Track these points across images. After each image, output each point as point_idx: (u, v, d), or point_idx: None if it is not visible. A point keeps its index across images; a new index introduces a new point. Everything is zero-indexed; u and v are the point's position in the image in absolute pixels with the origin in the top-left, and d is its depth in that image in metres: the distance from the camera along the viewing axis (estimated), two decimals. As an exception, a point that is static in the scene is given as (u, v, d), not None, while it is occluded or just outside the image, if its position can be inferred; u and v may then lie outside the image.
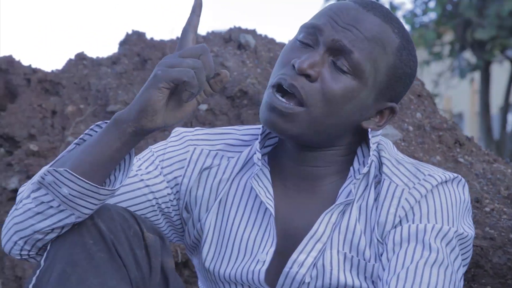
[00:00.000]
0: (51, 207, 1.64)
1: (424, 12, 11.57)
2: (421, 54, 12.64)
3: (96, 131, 1.69)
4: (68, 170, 1.60)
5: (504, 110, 12.41)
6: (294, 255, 1.73)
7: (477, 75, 12.66)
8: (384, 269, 1.69)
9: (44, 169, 1.70)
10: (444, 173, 1.75)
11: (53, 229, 1.66)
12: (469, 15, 10.67)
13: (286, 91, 1.69)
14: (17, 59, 3.30)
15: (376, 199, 1.74)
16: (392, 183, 1.73)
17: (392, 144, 1.83)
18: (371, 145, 1.73)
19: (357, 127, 1.74)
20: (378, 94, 1.72)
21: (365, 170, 1.73)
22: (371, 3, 1.74)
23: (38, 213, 1.65)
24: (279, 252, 1.76)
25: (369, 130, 1.74)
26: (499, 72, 14.61)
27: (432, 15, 11.58)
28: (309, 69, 1.67)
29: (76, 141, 1.70)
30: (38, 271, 1.67)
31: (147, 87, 1.59)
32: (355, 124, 1.73)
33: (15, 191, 3.02)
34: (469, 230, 1.75)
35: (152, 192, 1.81)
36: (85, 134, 1.70)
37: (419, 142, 2.73)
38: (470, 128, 20.77)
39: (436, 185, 1.72)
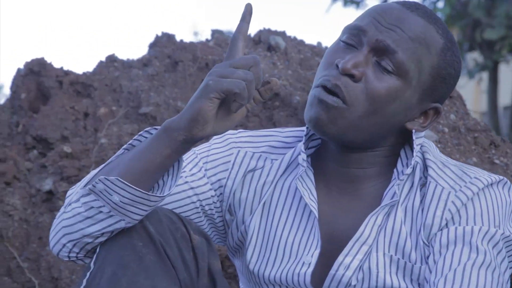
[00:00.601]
0: (101, 212, 1.65)
1: (433, 12, 11.57)
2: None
3: (146, 137, 1.70)
4: (119, 179, 1.61)
5: (511, 110, 12.41)
6: (340, 258, 1.74)
7: (484, 75, 12.66)
8: (431, 271, 1.70)
9: (93, 173, 1.72)
10: (490, 175, 1.76)
11: (102, 233, 1.68)
12: (478, 15, 10.67)
13: (331, 93, 1.70)
14: (49, 61, 3.31)
15: (422, 202, 1.74)
16: (438, 186, 1.74)
17: (434, 146, 1.83)
18: (415, 146, 1.73)
19: (401, 128, 1.75)
20: (422, 95, 1.72)
21: (408, 170, 1.73)
22: (414, 4, 1.74)
23: (88, 217, 1.67)
24: (324, 255, 1.77)
25: (413, 131, 1.75)
26: (506, 72, 14.61)
27: (441, 15, 11.60)
28: (353, 68, 1.68)
29: (125, 146, 1.72)
30: (88, 274, 1.68)
31: (198, 97, 1.60)
32: (399, 125, 1.74)
33: (49, 192, 3.04)
34: None
35: (196, 194, 1.83)
36: (134, 139, 1.71)
37: (455, 143, 2.74)
38: (474, 127, 20.69)
39: (482, 188, 1.73)
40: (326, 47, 3.44)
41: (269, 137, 1.89)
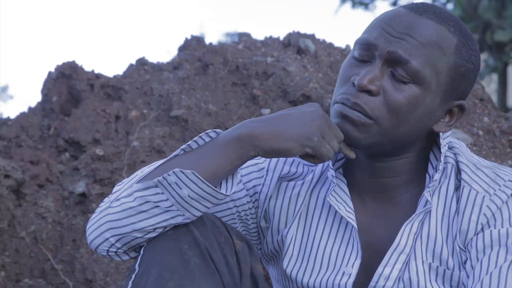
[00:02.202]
0: (158, 207, 1.65)
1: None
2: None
3: (204, 139, 1.71)
4: (195, 173, 1.62)
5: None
6: (379, 269, 1.74)
7: (494, 76, 12.66)
8: (468, 277, 1.70)
9: (146, 171, 1.72)
10: None
11: (155, 228, 1.67)
12: (488, 17, 10.67)
13: (352, 109, 1.70)
14: (79, 64, 3.32)
15: (456, 207, 1.74)
16: (472, 190, 1.73)
17: (466, 146, 1.82)
18: (442, 150, 1.73)
19: (429, 131, 1.74)
20: (444, 96, 1.71)
21: (437, 176, 1.72)
22: (422, 6, 1.72)
23: (142, 211, 1.66)
24: (365, 265, 1.77)
25: (440, 134, 1.74)
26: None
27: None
28: (370, 84, 1.68)
29: (183, 146, 1.71)
30: (133, 276, 1.68)
31: (292, 137, 1.66)
32: (425, 129, 1.73)
33: (82, 195, 3.05)
34: None
35: (233, 200, 1.83)
36: (193, 141, 1.71)
37: (490, 146, 2.75)
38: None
39: None
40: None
41: None
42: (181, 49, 3.41)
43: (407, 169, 1.77)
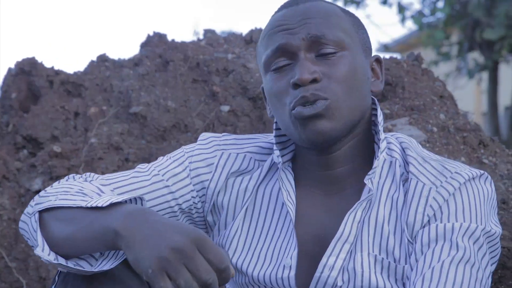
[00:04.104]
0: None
1: (433, 12, 11.55)
2: (430, 54, 12.62)
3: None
4: (74, 266, 1.64)
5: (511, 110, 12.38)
6: (323, 259, 1.74)
7: (484, 75, 12.63)
8: (412, 270, 1.70)
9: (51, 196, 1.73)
10: (471, 170, 1.75)
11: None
12: (478, 15, 10.64)
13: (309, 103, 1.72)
14: (39, 61, 3.31)
15: (404, 199, 1.74)
16: (419, 182, 1.73)
17: (416, 142, 1.83)
18: (381, 137, 1.77)
19: (370, 98, 1.79)
20: (363, 52, 1.79)
21: (376, 163, 1.74)
22: (294, 0, 1.80)
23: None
24: (311, 257, 1.77)
25: (378, 121, 1.78)
26: (506, 72, 14.60)
27: (441, 15, 11.56)
28: (311, 74, 1.71)
29: (89, 203, 1.68)
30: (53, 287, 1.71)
31: (139, 257, 1.53)
32: (368, 93, 1.78)
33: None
34: (496, 227, 1.76)
35: (175, 199, 1.84)
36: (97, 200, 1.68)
37: (444, 143, 2.74)
38: (476, 128, 20.68)
39: (464, 183, 1.72)
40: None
41: (254, 139, 1.90)
42: (143, 45, 3.40)
43: (352, 156, 1.78)
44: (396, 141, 1.81)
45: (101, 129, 3.11)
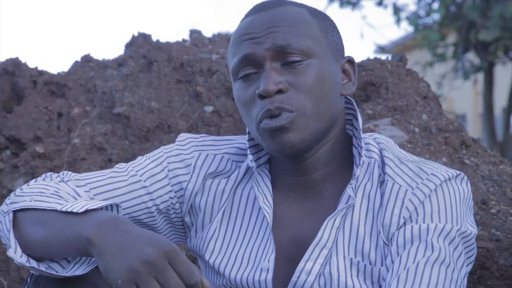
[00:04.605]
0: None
1: (428, 14, 11.55)
2: (425, 55, 12.62)
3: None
4: (46, 269, 1.64)
5: (508, 112, 12.38)
6: (301, 264, 1.73)
7: (480, 76, 12.63)
8: (388, 271, 1.69)
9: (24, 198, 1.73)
10: (447, 170, 1.74)
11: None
12: (473, 17, 10.63)
13: (276, 116, 1.71)
14: (23, 61, 3.30)
15: (381, 201, 1.74)
16: (396, 184, 1.72)
17: (393, 142, 1.83)
18: (362, 144, 1.75)
19: (341, 101, 1.77)
20: (333, 56, 1.76)
21: (358, 171, 1.73)
22: (262, 4, 1.78)
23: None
24: (289, 261, 1.76)
25: (359, 125, 1.76)
26: (502, 74, 14.60)
27: (436, 16, 11.57)
28: (276, 85, 1.69)
29: (64, 207, 1.68)
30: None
31: (116, 267, 1.52)
32: (339, 97, 1.76)
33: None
34: (472, 228, 1.75)
35: (152, 199, 1.83)
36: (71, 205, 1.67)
37: (425, 143, 2.73)
38: (473, 129, 20.75)
39: (440, 184, 1.71)
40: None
41: (232, 141, 1.89)
42: (128, 46, 3.39)
43: (328, 160, 1.78)
44: (374, 142, 1.80)
45: (84, 130, 3.10)
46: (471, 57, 12.38)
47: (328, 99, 1.73)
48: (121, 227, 1.56)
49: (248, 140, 1.82)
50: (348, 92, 1.79)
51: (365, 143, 1.79)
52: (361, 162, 1.74)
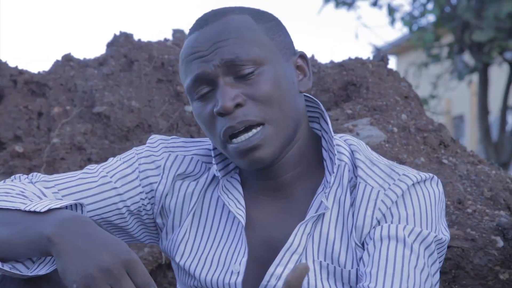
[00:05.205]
0: None
1: (422, 14, 11.55)
2: (420, 56, 12.61)
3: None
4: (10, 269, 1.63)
5: (503, 112, 12.38)
6: (271, 269, 1.73)
7: (475, 77, 12.62)
8: (365, 264, 1.68)
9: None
10: (419, 173, 1.74)
11: None
12: (467, 17, 10.63)
13: (243, 131, 1.70)
14: (3, 60, 3.29)
15: (352, 204, 1.73)
16: (368, 186, 1.72)
17: (365, 144, 1.82)
18: (335, 152, 1.73)
19: (302, 101, 1.77)
20: (283, 56, 1.74)
21: (332, 179, 1.72)
22: (202, 18, 1.76)
23: None
24: (260, 263, 1.76)
25: (329, 127, 1.75)
26: (499, 74, 14.59)
27: (431, 17, 11.57)
28: (233, 100, 1.68)
29: (27, 205, 1.67)
30: None
31: (73, 270, 1.52)
32: (298, 95, 1.75)
33: None
34: (446, 234, 1.75)
35: (122, 201, 1.82)
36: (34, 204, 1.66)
37: (404, 143, 2.72)
38: (471, 130, 20.74)
39: (412, 185, 1.71)
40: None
41: (202, 142, 1.88)
42: (109, 45, 3.38)
43: (296, 162, 1.77)
44: (345, 144, 1.79)
45: (64, 129, 3.09)
46: (466, 58, 12.37)
47: (289, 102, 1.72)
48: (83, 229, 1.56)
49: (213, 149, 1.81)
50: (305, 88, 1.77)
51: (336, 145, 1.78)
52: (334, 170, 1.72)
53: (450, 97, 18.35)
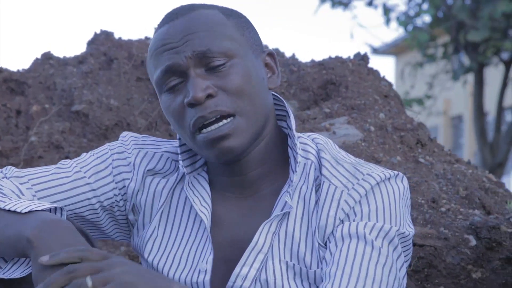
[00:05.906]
0: None
1: (418, 14, 11.55)
2: (415, 56, 12.60)
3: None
4: None
5: (498, 113, 12.38)
6: (237, 269, 1.71)
7: (470, 77, 12.63)
8: (327, 264, 1.67)
9: None
10: (384, 171, 1.73)
11: None
12: (462, 17, 10.64)
13: (212, 123, 1.69)
14: (-18, 58, 3.29)
15: (316, 203, 1.72)
16: (332, 185, 1.71)
17: (332, 143, 1.81)
18: (298, 150, 1.73)
19: (270, 98, 1.77)
20: (253, 52, 1.74)
21: (295, 178, 1.72)
22: (174, 12, 1.76)
23: None
24: (228, 262, 1.75)
25: (291, 125, 1.75)
26: (495, 74, 14.58)
27: (426, 17, 11.58)
28: (204, 91, 1.68)
29: (8, 205, 1.67)
30: None
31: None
32: (267, 94, 1.75)
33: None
34: (410, 228, 1.74)
35: (96, 196, 1.82)
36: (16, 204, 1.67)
37: (380, 142, 2.71)
38: (470, 130, 20.74)
39: (376, 184, 1.70)
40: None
41: (174, 142, 1.88)
42: (89, 43, 3.37)
43: (263, 159, 1.76)
44: (312, 143, 1.78)
45: (42, 128, 3.08)
46: (462, 57, 12.37)
47: (259, 97, 1.72)
48: (61, 234, 1.55)
49: (180, 146, 1.80)
50: (274, 86, 1.77)
51: (302, 143, 1.77)
52: (297, 169, 1.72)
53: (449, 97, 18.35)
